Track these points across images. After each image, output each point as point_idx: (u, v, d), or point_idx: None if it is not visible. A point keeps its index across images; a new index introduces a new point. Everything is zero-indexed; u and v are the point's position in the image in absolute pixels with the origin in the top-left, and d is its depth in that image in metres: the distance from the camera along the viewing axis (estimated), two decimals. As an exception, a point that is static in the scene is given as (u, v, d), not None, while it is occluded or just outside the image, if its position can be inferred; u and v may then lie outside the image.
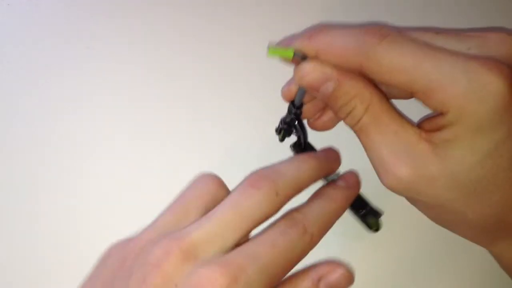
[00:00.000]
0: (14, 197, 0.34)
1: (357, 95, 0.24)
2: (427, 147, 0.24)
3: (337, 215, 0.27)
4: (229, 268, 0.21)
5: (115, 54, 0.39)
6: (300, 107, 0.29)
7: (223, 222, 0.23)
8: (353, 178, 0.29)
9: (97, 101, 0.38)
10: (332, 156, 0.30)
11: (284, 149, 0.36)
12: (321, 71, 0.24)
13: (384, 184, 0.25)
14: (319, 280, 0.24)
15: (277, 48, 0.25)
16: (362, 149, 0.27)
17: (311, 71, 0.24)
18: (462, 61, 0.21)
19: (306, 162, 0.27)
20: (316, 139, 0.32)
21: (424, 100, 0.23)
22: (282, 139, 0.33)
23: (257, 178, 0.24)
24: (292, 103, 0.29)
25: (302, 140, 0.32)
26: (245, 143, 0.37)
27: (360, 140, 0.26)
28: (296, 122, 0.30)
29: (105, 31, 0.40)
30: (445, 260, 0.35)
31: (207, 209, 0.26)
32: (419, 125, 0.25)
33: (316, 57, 0.24)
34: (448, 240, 0.33)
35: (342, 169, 0.32)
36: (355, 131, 0.26)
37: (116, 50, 0.40)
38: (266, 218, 0.24)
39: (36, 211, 0.34)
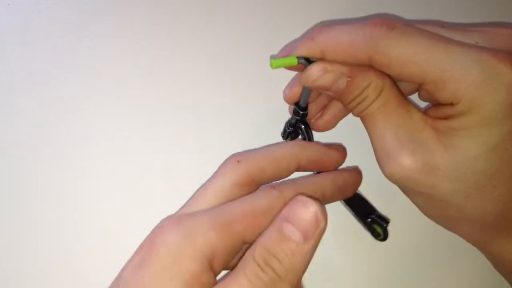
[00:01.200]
0: (13, 197, 0.34)
1: (370, 84, 0.24)
2: (432, 134, 0.23)
3: (321, 186, 0.26)
4: (178, 217, 0.23)
5: (116, 54, 0.39)
6: (306, 108, 0.29)
7: (196, 196, 0.25)
8: (354, 169, 0.29)
9: (97, 101, 0.38)
10: (332, 148, 0.29)
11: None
12: (331, 71, 0.24)
13: (385, 173, 0.25)
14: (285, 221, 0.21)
15: (279, 59, 0.25)
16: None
17: (321, 73, 0.24)
18: (474, 52, 0.21)
19: (289, 143, 0.27)
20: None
21: (435, 91, 0.22)
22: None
23: (228, 157, 0.26)
24: (297, 105, 0.29)
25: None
26: (246, 143, 0.37)
27: (366, 127, 0.25)
28: (302, 125, 0.30)
29: (105, 31, 0.40)
30: (445, 261, 0.35)
31: None
32: (425, 112, 0.24)
33: (322, 58, 0.24)
34: (448, 241, 0.33)
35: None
36: (363, 118, 0.25)
37: (116, 50, 0.40)
38: (234, 185, 0.25)
39: (35, 211, 0.34)
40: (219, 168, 0.26)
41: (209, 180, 0.25)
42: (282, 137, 0.33)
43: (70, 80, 0.38)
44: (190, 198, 0.26)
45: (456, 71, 0.21)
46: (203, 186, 0.26)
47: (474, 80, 0.21)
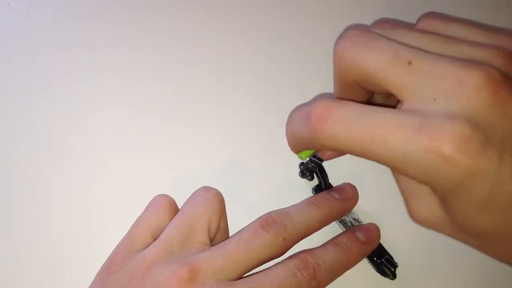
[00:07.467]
0: (14, 199, 0.34)
1: None
2: (429, 190, 0.22)
3: (348, 267, 0.28)
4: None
5: (116, 54, 0.39)
6: (322, 159, 0.31)
7: (232, 256, 0.25)
8: (374, 234, 0.30)
9: (97, 101, 0.38)
10: (348, 195, 0.30)
11: (283, 150, 0.37)
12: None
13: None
14: None
15: (303, 152, 0.27)
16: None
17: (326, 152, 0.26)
18: (412, 136, 0.19)
19: (318, 209, 0.28)
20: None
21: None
22: (311, 179, 0.35)
23: (268, 221, 0.26)
24: (315, 156, 0.31)
25: (323, 185, 0.34)
26: (247, 144, 0.37)
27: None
28: (318, 171, 0.33)
29: (106, 31, 0.40)
30: (445, 260, 0.35)
31: (210, 227, 0.26)
32: None
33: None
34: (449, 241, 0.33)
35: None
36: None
37: (117, 50, 0.40)
38: (271, 258, 0.26)
39: (35, 212, 0.34)
40: (262, 234, 0.26)
41: (250, 239, 0.26)
42: (300, 176, 0.35)
43: (70, 80, 0.38)
44: (227, 247, 0.26)
45: (395, 161, 0.20)
46: (244, 243, 0.26)
47: (412, 169, 0.20)
